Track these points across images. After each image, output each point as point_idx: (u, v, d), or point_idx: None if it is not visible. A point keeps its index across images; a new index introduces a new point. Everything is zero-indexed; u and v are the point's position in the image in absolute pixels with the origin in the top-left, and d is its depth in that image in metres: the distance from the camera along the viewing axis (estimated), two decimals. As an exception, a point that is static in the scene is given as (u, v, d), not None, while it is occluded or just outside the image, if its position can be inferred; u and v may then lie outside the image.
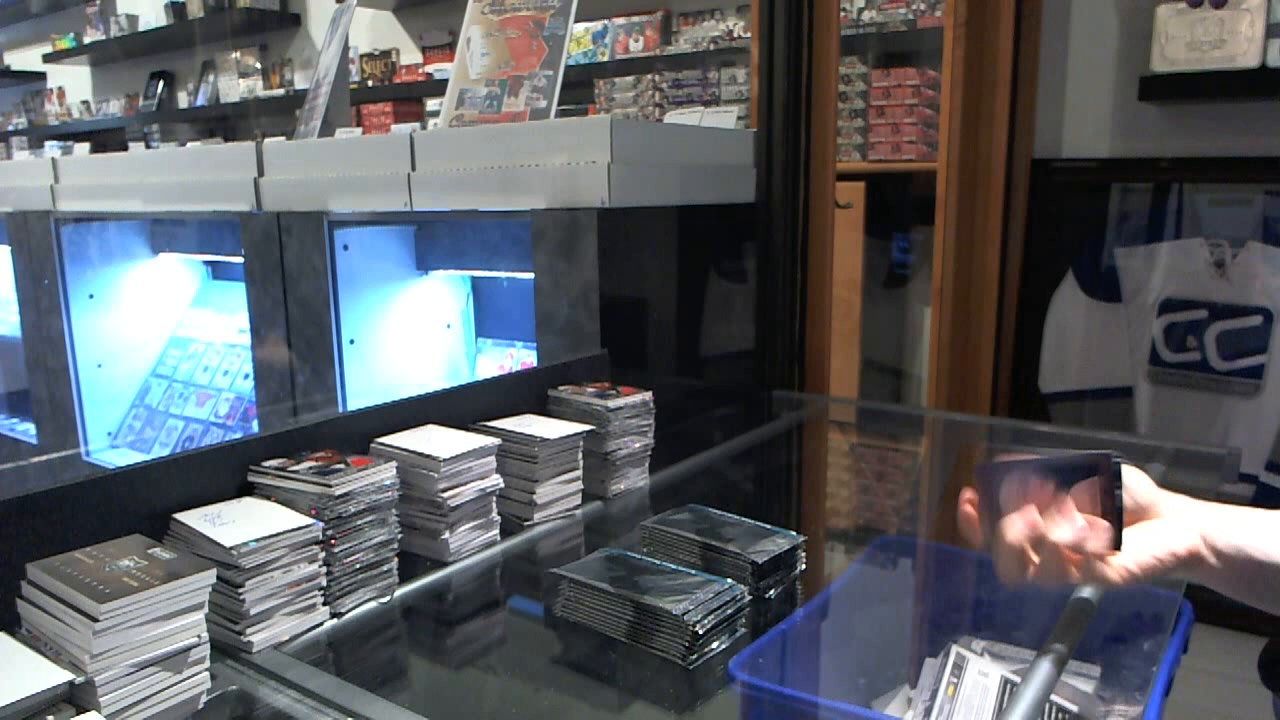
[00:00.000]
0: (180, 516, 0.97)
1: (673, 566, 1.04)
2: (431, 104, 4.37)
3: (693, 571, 1.03)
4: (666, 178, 1.75)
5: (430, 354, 2.31)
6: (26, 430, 3.05)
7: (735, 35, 3.39)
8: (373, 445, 1.18)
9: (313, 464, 1.05)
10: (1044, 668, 0.71)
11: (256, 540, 0.92)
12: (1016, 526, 0.72)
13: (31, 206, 2.75)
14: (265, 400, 2.27)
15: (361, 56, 4.71)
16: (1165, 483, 0.80)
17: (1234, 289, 1.99)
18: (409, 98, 4.48)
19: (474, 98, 1.90)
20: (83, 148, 3.19)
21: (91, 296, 2.76)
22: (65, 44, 6.30)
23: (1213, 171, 2.04)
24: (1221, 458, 1.50)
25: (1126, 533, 0.74)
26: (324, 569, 0.99)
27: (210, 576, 0.83)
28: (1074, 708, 0.82)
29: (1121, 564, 0.72)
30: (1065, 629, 0.77)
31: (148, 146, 5.07)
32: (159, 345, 3.02)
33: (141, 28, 5.81)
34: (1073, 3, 2.15)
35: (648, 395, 1.44)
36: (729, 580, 1.00)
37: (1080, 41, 2.15)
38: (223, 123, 5.70)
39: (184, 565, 0.83)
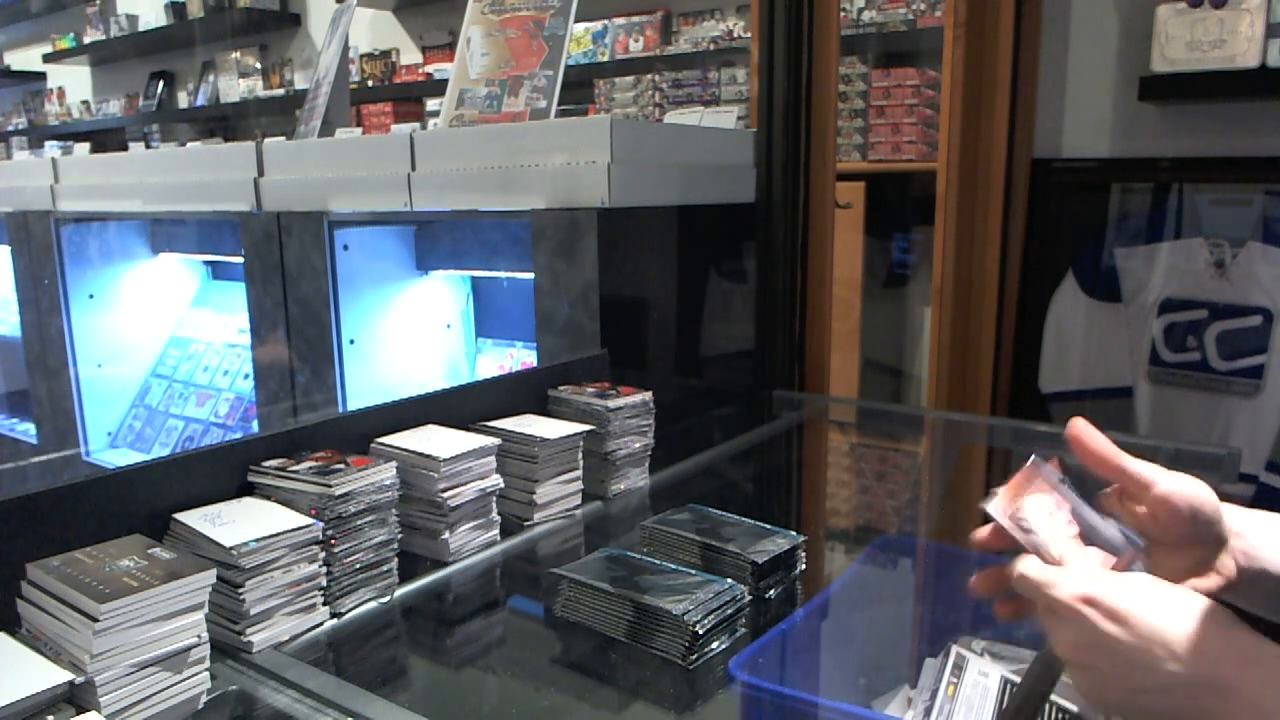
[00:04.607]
0: (180, 516, 0.97)
1: (673, 566, 1.04)
2: (431, 104, 4.37)
3: (693, 571, 1.03)
4: (666, 178, 1.75)
5: (430, 354, 2.31)
6: (26, 430, 3.05)
7: (735, 35, 3.39)
8: (373, 445, 1.18)
9: (313, 464, 1.05)
10: (1039, 674, 0.71)
11: (256, 540, 0.92)
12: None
13: (31, 206, 2.75)
14: (265, 400, 2.27)
15: (361, 56, 4.71)
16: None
17: (1234, 289, 1.99)
18: (409, 98, 4.48)
19: (474, 98, 1.90)
20: (83, 148, 3.19)
21: (91, 296, 2.76)
22: (65, 44, 6.30)
23: (1213, 171, 2.03)
24: (1221, 458, 1.50)
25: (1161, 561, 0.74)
26: (324, 569, 0.99)
27: (210, 576, 0.83)
28: (1074, 708, 0.82)
29: None
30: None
31: (148, 146, 5.07)
32: (159, 345, 3.02)
33: (141, 28, 5.81)
34: (1073, 3, 2.15)
35: (648, 395, 1.44)
36: (729, 580, 1.00)
37: (1080, 41, 2.15)
38: (223, 123, 5.70)
39: (184, 565, 0.83)
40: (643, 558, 1.07)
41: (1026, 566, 0.68)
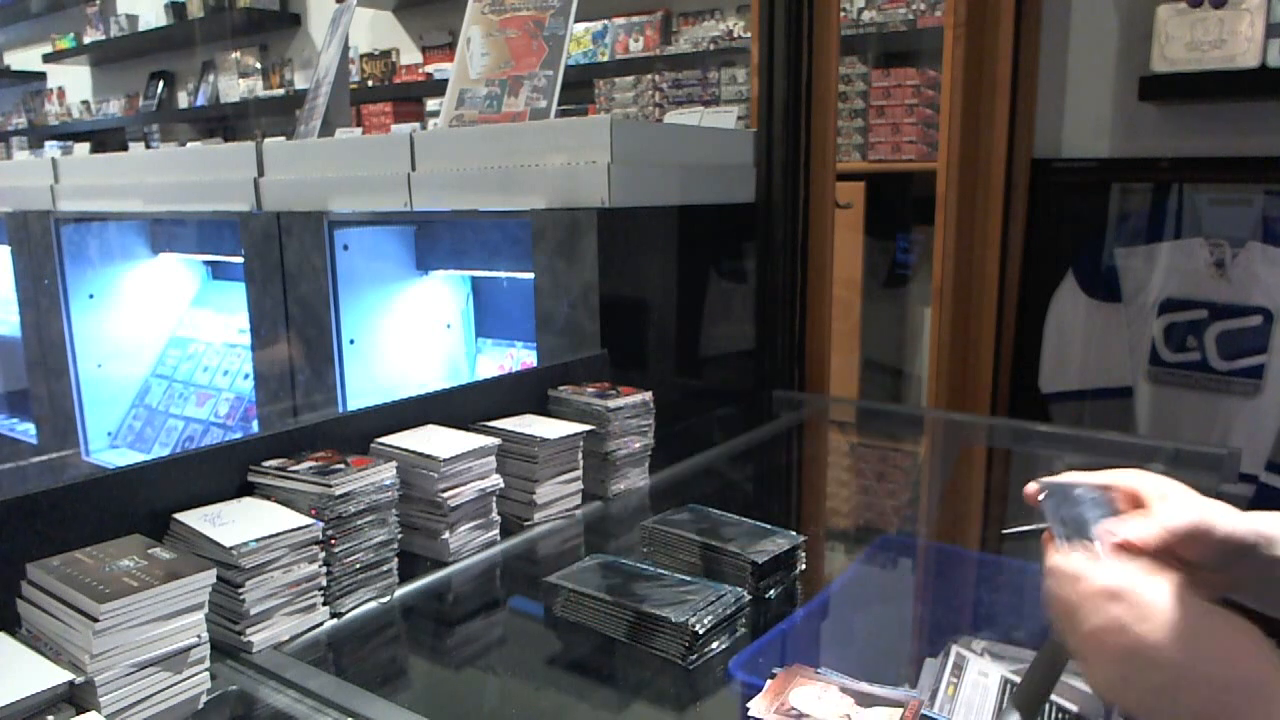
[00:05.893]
0: (180, 516, 0.97)
1: (663, 573, 1.04)
2: (431, 104, 4.37)
3: (687, 578, 1.03)
4: (666, 178, 1.75)
5: (430, 354, 2.31)
6: (26, 430, 3.05)
7: (735, 35, 3.39)
8: (373, 445, 1.18)
9: (313, 464, 1.05)
10: (1044, 667, 0.71)
11: (256, 540, 0.92)
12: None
13: (31, 206, 2.75)
14: (265, 400, 2.27)
15: (361, 56, 4.71)
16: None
17: (1234, 289, 1.99)
18: (409, 98, 4.48)
19: (474, 98, 1.90)
20: (83, 148, 3.20)
21: (91, 296, 2.76)
22: (65, 44, 6.30)
23: (1213, 171, 2.04)
24: (1221, 458, 1.50)
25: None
26: (324, 569, 0.99)
27: (210, 576, 0.83)
28: (1074, 708, 0.82)
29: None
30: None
31: (148, 146, 5.07)
32: (159, 345, 3.02)
33: (141, 28, 5.81)
34: (1073, 3, 2.15)
35: (648, 395, 1.44)
36: (725, 586, 1.00)
37: (1080, 41, 2.15)
38: (223, 123, 5.69)
39: (184, 565, 0.83)
40: (634, 564, 1.07)
41: (1058, 559, 0.66)
